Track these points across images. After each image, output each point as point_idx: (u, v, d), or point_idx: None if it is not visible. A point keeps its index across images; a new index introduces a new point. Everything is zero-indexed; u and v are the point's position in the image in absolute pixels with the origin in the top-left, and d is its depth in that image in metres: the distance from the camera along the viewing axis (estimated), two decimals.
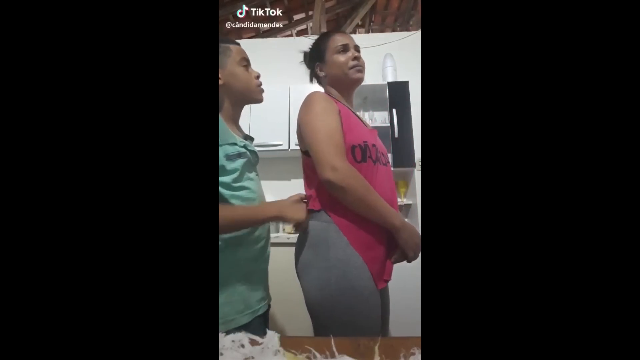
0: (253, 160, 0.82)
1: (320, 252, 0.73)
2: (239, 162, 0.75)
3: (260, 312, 0.75)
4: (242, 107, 0.86)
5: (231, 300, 0.70)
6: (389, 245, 0.75)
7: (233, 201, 0.73)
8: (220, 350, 0.34)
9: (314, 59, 0.90)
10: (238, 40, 0.86)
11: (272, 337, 0.36)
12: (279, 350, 0.34)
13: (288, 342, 0.36)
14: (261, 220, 0.74)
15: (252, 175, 0.81)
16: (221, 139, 0.72)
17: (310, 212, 0.77)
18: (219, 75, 0.79)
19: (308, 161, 0.79)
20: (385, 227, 0.72)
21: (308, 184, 0.82)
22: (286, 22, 3.46)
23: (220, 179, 0.72)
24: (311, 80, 0.95)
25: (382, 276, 0.74)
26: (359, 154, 0.75)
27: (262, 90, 0.86)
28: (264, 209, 0.75)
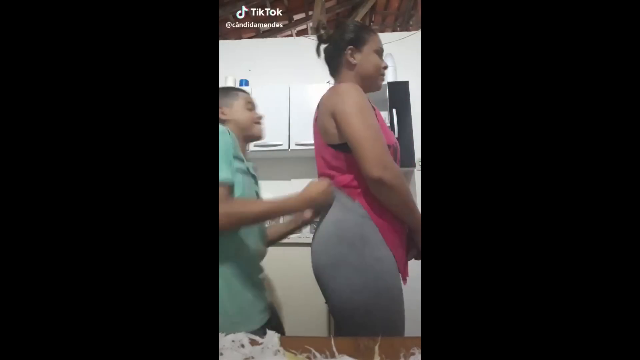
0: (254, 182, 0.87)
1: (355, 249, 0.68)
2: (244, 178, 0.80)
3: (269, 317, 0.77)
4: (246, 142, 0.94)
5: (239, 304, 0.72)
6: (408, 243, 0.76)
7: None
8: (220, 350, 0.34)
9: (350, 41, 0.81)
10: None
11: (272, 337, 0.36)
12: (279, 350, 0.34)
13: (288, 342, 0.36)
14: (289, 212, 0.78)
15: (254, 196, 0.85)
16: (236, 152, 0.79)
17: (342, 197, 0.73)
18: (224, 112, 0.90)
19: (339, 154, 0.74)
20: (410, 227, 0.73)
21: (344, 177, 0.75)
22: (286, 22, 3.45)
23: (236, 182, 0.76)
24: (318, 54, 0.86)
25: (405, 274, 0.75)
26: (392, 154, 0.73)
27: (262, 129, 0.95)
28: (289, 201, 0.75)
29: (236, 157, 0.78)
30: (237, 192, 0.76)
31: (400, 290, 0.70)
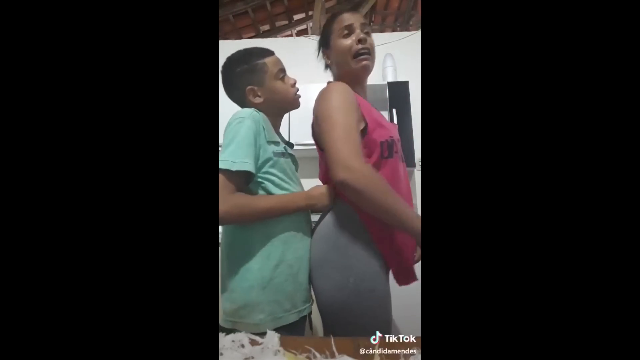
0: (293, 162, 0.83)
1: (340, 249, 0.69)
2: (284, 161, 0.77)
3: (304, 313, 0.74)
4: (282, 116, 0.86)
5: (279, 298, 0.70)
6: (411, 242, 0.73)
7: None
8: (220, 350, 0.34)
9: (322, 45, 0.82)
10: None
11: (272, 337, 0.36)
12: (279, 350, 0.34)
13: (288, 342, 0.36)
14: (292, 209, 0.74)
15: (295, 178, 0.82)
16: (269, 136, 0.75)
17: (338, 199, 0.74)
18: (259, 94, 0.79)
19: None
20: (405, 231, 0.65)
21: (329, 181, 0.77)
22: (286, 22, 3.45)
23: (271, 169, 0.73)
24: (325, 69, 0.86)
25: (409, 275, 0.72)
26: (387, 149, 0.71)
27: (299, 97, 0.85)
28: (295, 198, 0.74)
29: (270, 142, 0.74)
30: (278, 176, 0.74)
31: (387, 292, 0.69)
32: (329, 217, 0.74)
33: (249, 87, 0.79)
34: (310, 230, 0.81)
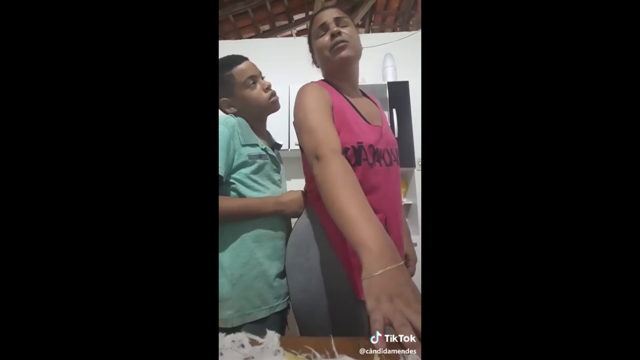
0: (273, 163, 0.84)
1: (301, 251, 0.71)
2: (261, 162, 0.79)
3: (278, 309, 0.76)
4: (263, 119, 0.89)
5: (248, 295, 0.72)
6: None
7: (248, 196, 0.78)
8: (220, 350, 0.34)
9: (310, 50, 0.86)
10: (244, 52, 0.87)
11: (272, 337, 0.36)
12: (279, 350, 0.34)
13: (288, 342, 0.36)
14: (259, 213, 0.76)
15: (276, 177, 0.84)
16: (245, 139, 0.78)
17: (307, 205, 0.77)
18: (232, 105, 0.83)
19: (304, 156, 0.76)
20: (350, 241, 0.46)
21: (306, 180, 0.81)
22: (286, 22, 3.46)
23: (243, 170, 0.77)
24: (313, 63, 0.89)
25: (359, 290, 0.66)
26: (352, 156, 0.68)
27: (276, 100, 0.87)
28: (263, 202, 0.77)
29: (246, 145, 0.78)
30: (249, 173, 0.77)
31: (351, 298, 0.66)
32: (298, 223, 0.77)
33: (221, 99, 0.83)
34: (286, 230, 0.84)
